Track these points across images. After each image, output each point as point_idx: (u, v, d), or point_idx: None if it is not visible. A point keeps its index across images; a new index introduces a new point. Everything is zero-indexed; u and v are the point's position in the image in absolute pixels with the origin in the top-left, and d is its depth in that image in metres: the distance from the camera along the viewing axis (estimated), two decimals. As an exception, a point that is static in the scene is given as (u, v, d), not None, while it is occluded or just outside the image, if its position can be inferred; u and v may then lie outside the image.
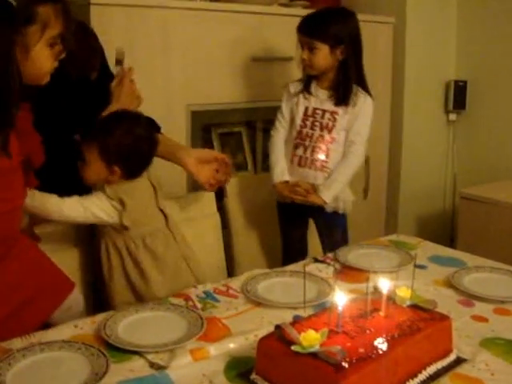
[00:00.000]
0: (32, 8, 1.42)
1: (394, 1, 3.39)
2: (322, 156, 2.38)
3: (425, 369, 1.25)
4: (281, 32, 2.90)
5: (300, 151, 2.40)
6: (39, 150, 1.63)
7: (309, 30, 2.33)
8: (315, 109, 2.41)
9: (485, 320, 1.54)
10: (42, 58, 1.48)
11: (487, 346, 1.39)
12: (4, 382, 1.21)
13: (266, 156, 3.28)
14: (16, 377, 1.24)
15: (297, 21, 2.93)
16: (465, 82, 3.60)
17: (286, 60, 2.91)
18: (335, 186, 2.38)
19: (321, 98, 2.41)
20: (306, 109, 2.42)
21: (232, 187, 2.60)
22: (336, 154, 2.40)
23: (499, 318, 1.56)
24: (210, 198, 2.33)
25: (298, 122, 2.41)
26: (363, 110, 2.41)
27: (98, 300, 1.91)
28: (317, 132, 2.39)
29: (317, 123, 2.39)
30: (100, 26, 2.33)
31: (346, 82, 2.38)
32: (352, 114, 2.39)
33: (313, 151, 2.38)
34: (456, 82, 3.61)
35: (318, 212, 2.44)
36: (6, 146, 1.41)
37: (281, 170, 2.43)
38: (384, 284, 1.36)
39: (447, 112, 3.70)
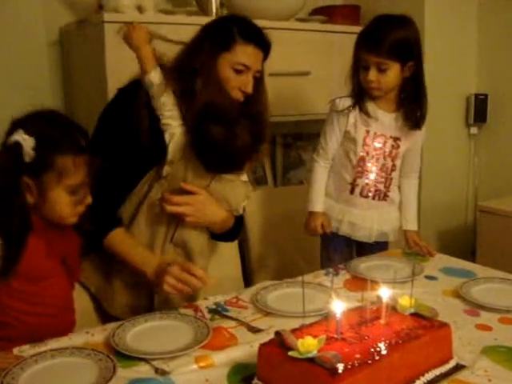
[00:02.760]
0: (49, 157, 1.46)
1: (413, 14, 3.37)
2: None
3: (423, 375, 1.27)
4: (298, 47, 2.92)
5: (362, 181, 2.26)
6: (76, 249, 1.68)
7: (379, 48, 2.10)
8: (377, 134, 2.24)
9: (489, 329, 1.56)
10: (59, 203, 1.51)
11: (488, 354, 1.41)
12: (16, 387, 1.27)
13: (286, 170, 3.33)
14: (28, 381, 1.29)
15: (314, 36, 2.98)
16: (486, 96, 3.59)
17: (304, 75, 2.94)
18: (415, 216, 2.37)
19: (383, 121, 2.23)
20: (367, 133, 2.23)
21: (252, 201, 2.63)
22: (395, 182, 2.32)
23: (503, 327, 1.57)
24: None
25: (359, 148, 2.24)
26: (422, 135, 2.31)
27: None
28: (381, 160, 2.25)
29: (379, 151, 2.24)
30: (114, 43, 2.39)
31: (421, 102, 2.24)
32: (411, 140, 2.28)
33: (377, 182, 2.27)
34: (477, 95, 3.60)
35: (364, 242, 2.35)
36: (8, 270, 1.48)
37: (318, 197, 2.31)
38: (385, 293, 1.38)
39: (468, 125, 3.68)
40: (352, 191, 2.28)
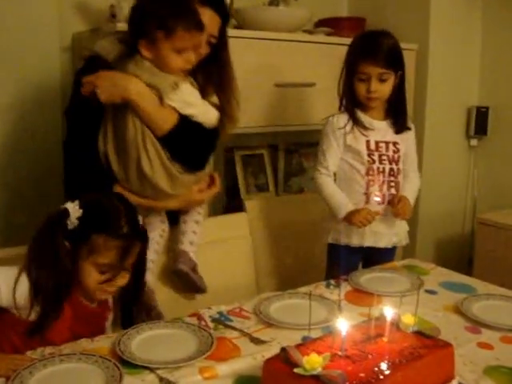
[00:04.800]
0: (86, 231, 1.57)
1: (417, 27, 3.42)
2: (377, 198, 2.29)
3: (425, 394, 1.29)
4: (304, 58, 2.94)
5: (375, 188, 2.30)
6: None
7: (381, 59, 2.21)
8: (377, 142, 2.31)
9: (490, 348, 1.56)
10: (86, 275, 1.59)
11: (490, 374, 1.41)
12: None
13: (287, 177, 3.35)
14: (36, 385, 1.32)
15: (320, 47, 3.00)
16: (487, 108, 3.61)
17: (309, 86, 2.96)
18: (412, 198, 2.35)
19: (379, 129, 2.32)
20: (368, 143, 2.30)
21: (253, 208, 2.65)
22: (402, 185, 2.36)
23: (505, 347, 1.57)
24: (242, 220, 2.36)
25: (365, 157, 2.29)
26: (412, 135, 2.39)
27: None
28: (387, 166, 2.31)
29: (384, 157, 2.31)
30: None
31: (403, 107, 2.35)
32: (406, 141, 2.36)
33: (389, 186, 2.31)
34: (478, 107, 3.63)
35: (373, 250, 2.37)
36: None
37: (344, 199, 2.30)
38: (388, 310, 1.40)
39: (468, 137, 3.71)
40: (367, 201, 2.30)
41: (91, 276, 1.59)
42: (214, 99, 2.07)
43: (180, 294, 2.15)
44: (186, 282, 2.09)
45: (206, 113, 1.98)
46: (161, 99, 1.88)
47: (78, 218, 1.57)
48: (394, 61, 2.25)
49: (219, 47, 2.08)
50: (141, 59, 1.86)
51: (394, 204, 2.29)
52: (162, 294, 2.08)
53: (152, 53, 1.86)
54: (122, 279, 1.63)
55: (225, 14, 2.08)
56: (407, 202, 2.31)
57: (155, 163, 1.91)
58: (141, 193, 1.97)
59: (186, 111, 1.93)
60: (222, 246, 2.27)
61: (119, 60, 1.91)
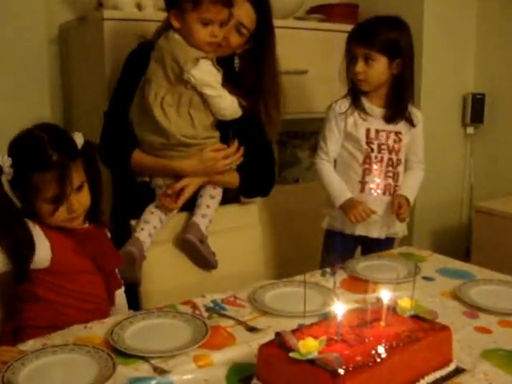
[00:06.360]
0: (23, 176, 1.55)
1: (412, 12, 3.37)
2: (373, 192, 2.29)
3: (423, 378, 1.27)
4: (296, 45, 2.91)
5: (371, 177, 2.30)
6: (108, 252, 1.75)
7: (368, 40, 2.20)
8: (378, 130, 2.30)
9: (488, 331, 1.55)
10: (45, 213, 1.58)
11: (488, 357, 1.40)
12: (17, 382, 1.27)
13: (282, 168, 3.32)
14: (28, 376, 1.30)
15: (312, 34, 2.98)
16: (483, 95, 3.58)
17: (302, 73, 2.93)
18: (413, 196, 2.34)
19: (378, 116, 2.30)
20: (368, 131, 2.29)
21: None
22: (402, 176, 2.35)
23: (503, 330, 1.56)
24: (253, 209, 2.35)
25: (364, 146, 2.29)
26: (419, 127, 2.37)
27: None
28: (386, 155, 2.30)
29: (383, 146, 2.29)
30: (113, 40, 2.41)
31: (402, 98, 2.30)
32: (411, 133, 2.34)
33: (387, 177, 2.31)
34: (474, 94, 3.59)
35: (370, 240, 2.37)
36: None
37: (343, 187, 2.31)
38: (385, 294, 1.38)
39: (464, 125, 3.68)
40: (362, 189, 2.30)
41: (49, 211, 1.58)
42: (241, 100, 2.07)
43: (192, 278, 2.14)
44: (194, 254, 2.08)
45: (221, 97, 1.98)
46: (180, 74, 1.93)
47: (11, 166, 1.54)
48: (384, 46, 2.21)
49: (258, 44, 2.12)
50: (172, 32, 1.93)
51: (394, 208, 2.29)
52: (173, 279, 2.09)
53: (180, 23, 1.92)
54: (81, 200, 1.62)
55: (261, 9, 2.08)
56: (408, 209, 2.31)
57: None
58: (152, 145, 2.03)
59: (202, 89, 1.96)
60: (232, 233, 2.25)
61: (157, 36, 2.01)
